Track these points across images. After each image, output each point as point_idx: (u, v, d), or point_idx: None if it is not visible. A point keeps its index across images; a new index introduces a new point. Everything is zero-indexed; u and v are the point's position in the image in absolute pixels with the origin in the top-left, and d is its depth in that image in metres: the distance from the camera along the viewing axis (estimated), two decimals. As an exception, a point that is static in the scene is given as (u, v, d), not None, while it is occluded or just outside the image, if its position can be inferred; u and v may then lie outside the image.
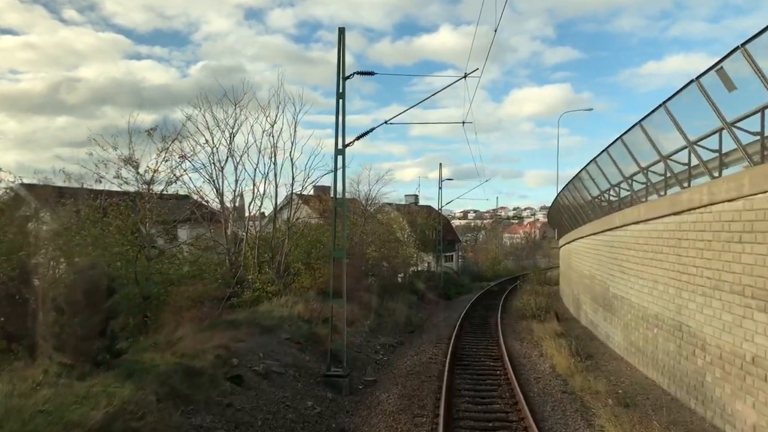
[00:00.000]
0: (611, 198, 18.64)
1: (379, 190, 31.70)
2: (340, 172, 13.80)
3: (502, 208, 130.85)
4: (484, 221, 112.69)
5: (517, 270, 64.44)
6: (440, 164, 37.83)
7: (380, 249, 28.89)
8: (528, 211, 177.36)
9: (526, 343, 18.46)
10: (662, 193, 13.54)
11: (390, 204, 43.74)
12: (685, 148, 11.55)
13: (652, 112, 12.15)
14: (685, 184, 12.07)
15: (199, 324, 14.29)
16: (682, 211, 11.54)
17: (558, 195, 31.93)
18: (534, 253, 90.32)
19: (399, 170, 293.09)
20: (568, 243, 27.85)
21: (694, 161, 11.65)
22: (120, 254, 14.99)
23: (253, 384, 11.18)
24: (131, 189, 15.35)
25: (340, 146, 13.64)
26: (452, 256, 52.26)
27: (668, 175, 13.17)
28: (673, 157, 12.46)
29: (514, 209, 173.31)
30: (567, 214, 28.84)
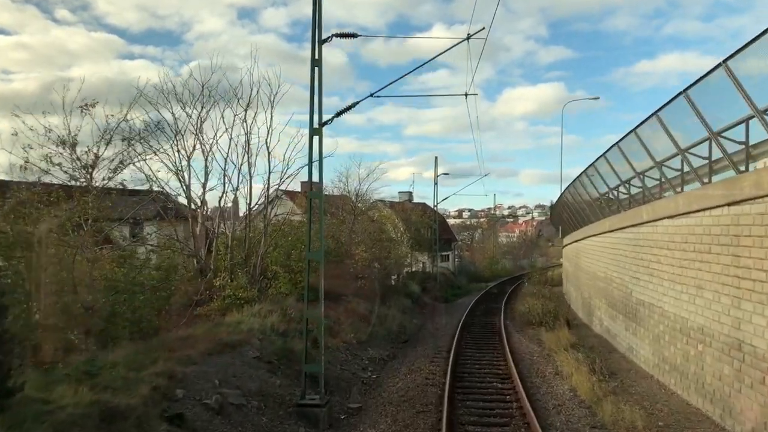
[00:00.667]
0: (632, 190, 16.27)
1: (369, 185, 29.30)
2: (316, 158, 11.37)
3: (497, 206, 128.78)
4: (480, 220, 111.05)
5: (515, 270, 62.17)
6: (435, 158, 35.21)
7: (371, 249, 26.47)
8: (523, 209, 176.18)
9: (537, 357, 16.08)
10: (706, 180, 11.17)
11: (383, 201, 41.37)
12: (748, 119, 9.18)
13: (708, 73, 9.78)
14: (742, 168, 9.70)
15: (146, 342, 11.84)
16: (743, 201, 9.17)
17: (564, 192, 29.68)
18: (531, 252, 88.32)
19: (393, 169, 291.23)
20: (576, 241, 25.52)
21: (756, 137, 9.30)
22: (55, 256, 12.49)
23: (201, 424, 8.74)
24: (66, 177, 12.83)
25: (316, 124, 11.21)
26: (448, 255, 49.90)
27: (714, 158, 10.80)
28: (725, 134, 10.08)
29: (509, 208, 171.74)
30: (574, 211, 26.52)
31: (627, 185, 16.66)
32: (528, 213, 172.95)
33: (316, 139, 11.28)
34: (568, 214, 29.33)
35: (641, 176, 14.85)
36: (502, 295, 33.28)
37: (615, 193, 18.08)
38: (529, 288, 36.17)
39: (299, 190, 36.35)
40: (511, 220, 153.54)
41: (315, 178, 11.54)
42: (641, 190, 15.66)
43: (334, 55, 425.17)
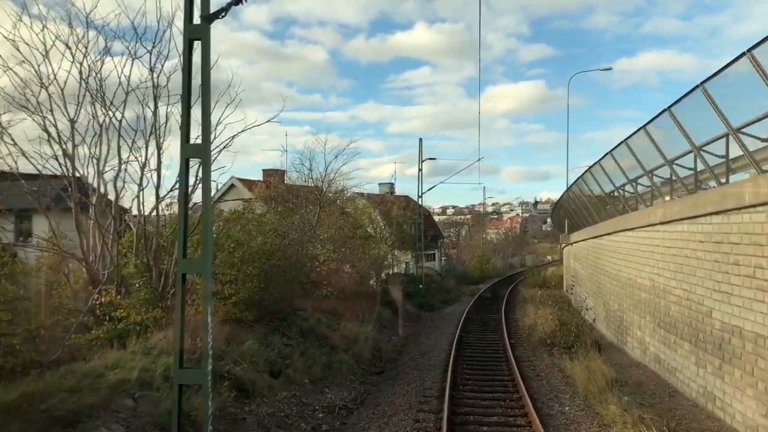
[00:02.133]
0: (712, 160, 11.25)
1: (339, 168, 24.02)
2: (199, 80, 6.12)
3: (481, 204, 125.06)
4: (465, 216, 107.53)
5: (506, 269, 57.49)
6: (420, 140, 29.25)
7: (341, 248, 21.32)
8: (507, 206, 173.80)
9: (570, 407, 11.02)
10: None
11: (360, 193, 36.28)
12: None
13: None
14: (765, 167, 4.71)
15: None
16: None
17: (572, 185, 24.91)
18: (521, 249, 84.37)
19: (376, 167, 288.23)
20: (595, 238, 20.60)
21: None
22: None
23: None
24: None
25: (196, 19, 5.97)
26: (434, 254, 44.80)
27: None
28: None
29: (494, 204, 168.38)
30: (588, 203, 21.65)
31: (697, 154, 11.66)
32: (512, 210, 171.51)
33: (197, 46, 6.04)
34: (578, 208, 24.50)
35: (739, 134, 9.80)
36: (499, 302, 28.32)
37: (671, 168, 13.09)
38: (529, 292, 31.32)
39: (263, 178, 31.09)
40: (495, 216, 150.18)
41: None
42: (721, 162, 10.68)
43: (315, 51, 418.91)
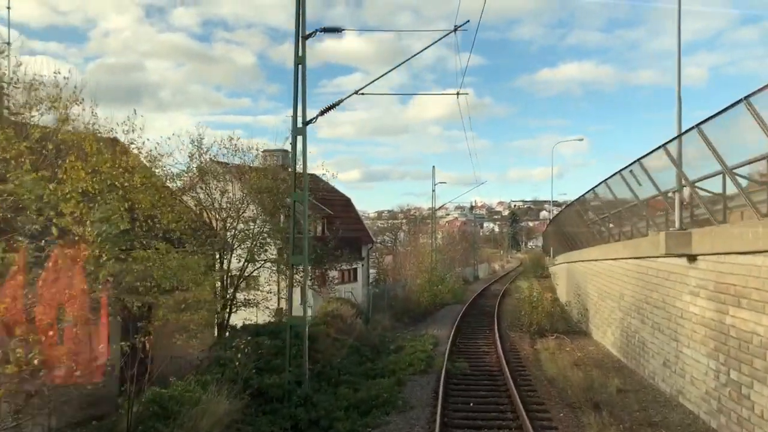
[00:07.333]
0: None
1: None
2: None
3: (416, 208, 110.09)
4: (400, 221, 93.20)
5: (462, 289, 40.23)
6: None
7: None
8: (442, 210, 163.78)
9: None
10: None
11: (225, 163, 18.28)
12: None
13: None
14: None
15: None
16: None
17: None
18: (472, 257, 69.39)
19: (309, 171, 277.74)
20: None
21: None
22: None
23: None
24: None
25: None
26: (356, 271, 26.76)
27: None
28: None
29: (429, 209, 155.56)
30: None
31: None
32: (448, 214, 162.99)
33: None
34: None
35: None
36: (502, 413, 10.88)
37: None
38: (539, 353, 14.15)
39: None
40: (429, 222, 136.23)
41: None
42: None
43: (243, 55, 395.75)
